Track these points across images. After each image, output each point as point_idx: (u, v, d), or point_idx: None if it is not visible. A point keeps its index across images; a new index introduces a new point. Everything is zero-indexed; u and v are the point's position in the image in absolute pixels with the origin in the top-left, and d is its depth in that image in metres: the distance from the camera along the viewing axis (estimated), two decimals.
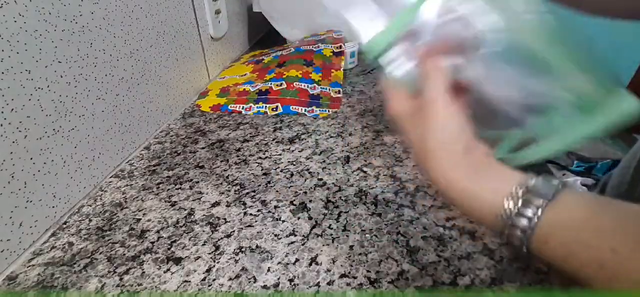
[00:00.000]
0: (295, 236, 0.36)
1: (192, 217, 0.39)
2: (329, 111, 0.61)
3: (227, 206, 0.40)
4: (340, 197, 0.41)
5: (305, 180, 0.44)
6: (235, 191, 0.43)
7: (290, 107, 0.62)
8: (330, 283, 0.31)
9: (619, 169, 0.49)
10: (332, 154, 0.49)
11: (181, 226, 0.38)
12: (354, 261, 0.33)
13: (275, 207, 0.40)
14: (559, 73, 0.25)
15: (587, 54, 0.25)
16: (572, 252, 0.21)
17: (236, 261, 0.33)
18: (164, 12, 0.56)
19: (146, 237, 0.36)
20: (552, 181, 0.23)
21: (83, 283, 0.32)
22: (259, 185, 0.43)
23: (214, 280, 0.31)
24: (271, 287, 0.31)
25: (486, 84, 0.27)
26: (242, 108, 0.62)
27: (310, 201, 0.40)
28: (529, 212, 0.22)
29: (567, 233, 0.21)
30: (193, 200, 0.41)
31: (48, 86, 0.36)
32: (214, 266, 0.33)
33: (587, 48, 0.25)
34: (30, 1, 0.34)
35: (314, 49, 0.75)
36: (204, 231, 0.37)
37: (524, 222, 0.22)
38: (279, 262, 0.33)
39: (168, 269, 0.33)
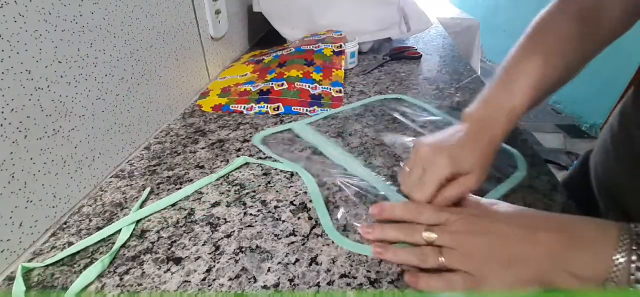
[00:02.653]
0: (295, 236, 0.36)
1: (192, 217, 0.39)
2: (329, 111, 0.61)
3: (227, 206, 0.40)
4: (340, 197, 0.41)
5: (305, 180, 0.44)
6: (235, 191, 0.43)
7: (292, 107, 0.62)
8: (330, 283, 0.31)
9: (599, 147, 0.50)
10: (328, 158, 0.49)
11: (181, 226, 0.37)
12: (354, 261, 0.33)
13: (275, 207, 0.40)
14: None
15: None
16: None
17: (236, 261, 0.33)
18: (164, 12, 0.56)
19: (146, 237, 0.36)
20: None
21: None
22: (259, 185, 0.43)
23: (214, 280, 0.31)
24: (271, 287, 0.31)
25: None
26: (244, 108, 0.62)
27: (310, 201, 0.40)
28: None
29: None
30: (193, 200, 0.41)
31: (48, 86, 0.36)
32: (214, 266, 0.33)
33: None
34: (30, 1, 0.34)
35: (315, 49, 0.75)
36: (204, 231, 0.37)
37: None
38: (279, 262, 0.33)
39: (168, 269, 0.33)
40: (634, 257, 0.22)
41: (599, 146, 0.50)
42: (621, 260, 0.22)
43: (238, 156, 0.49)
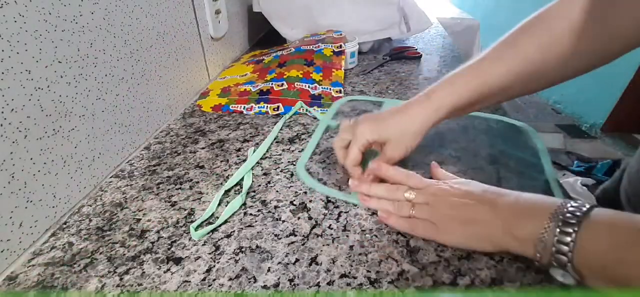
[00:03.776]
0: (295, 236, 0.36)
1: (192, 217, 0.39)
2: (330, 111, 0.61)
3: (227, 206, 0.40)
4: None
5: (296, 168, 0.44)
6: (235, 191, 0.43)
7: (292, 107, 0.62)
8: (330, 283, 0.31)
9: (634, 173, 0.45)
10: (332, 154, 0.49)
11: (181, 226, 0.37)
12: (354, 261, 0.33)
13: (275, 207, 0.40)
14: None
15: None
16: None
17: (236, 261, 0.33)
18: (164, 12, 0.56)
19: (146, 237, 0.36)
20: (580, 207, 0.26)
21: (83, 283, 0.32)
22: (259, 185, 0.43)
23: (214, 280, 0.31)
24: (271, 287, 0.31)
25: None
26: (244, 108, 0.62)
27: (310, 201, 0.40)
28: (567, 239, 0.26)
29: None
30: (193, 200, 0.41)
31: (48, 86, 0.36)
32: (214, 266, 0.33)
33: None
34: (30, 1, 0.34)
35: (315, 49, 0.75)
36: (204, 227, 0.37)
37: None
38: (279, 262, 0.33)
39: (168, 269, 0.33)
40: (557, 231, 0.26)
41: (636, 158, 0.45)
42: (550, 225, 0.27)
43: (238, 156, 0.49)
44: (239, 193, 0.42)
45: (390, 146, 0.40)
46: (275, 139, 0.53)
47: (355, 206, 0.39)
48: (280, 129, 0.55)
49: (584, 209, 0.26)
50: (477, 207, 0.32)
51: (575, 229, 0.25)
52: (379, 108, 0.57)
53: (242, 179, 0.44)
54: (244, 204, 0.40)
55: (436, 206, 0.34)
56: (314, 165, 0.46)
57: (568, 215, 0.26)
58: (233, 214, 0.39)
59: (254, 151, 0.49)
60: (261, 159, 0.48)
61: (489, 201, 0.32)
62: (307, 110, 0.61)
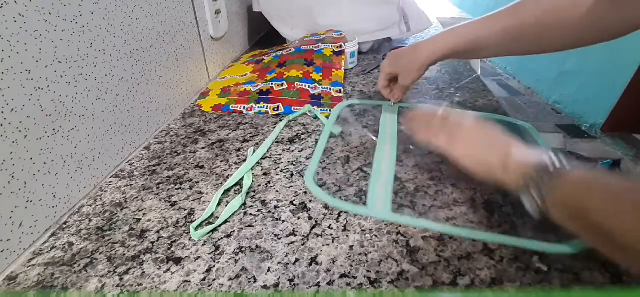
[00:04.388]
0: (295, 236, 0.36)
1: (192, 217, 0.39)
2: (330, 111, 0.61)
3: (227, 206, 0.40)
4: (340, 197, 0.41)
5: (305, 180, 0.44)
6: (235, 191, 0.43)
7: (292, 107, 0.62)
8: (330, 283, 0.31)
9: None
10: (332, 154, 0.49)
11: (181, 226, 0.37)
12: (354, 261, 0.33)
13: (275, 207, 0.40)
14: None
15: None
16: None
17: (236, 261, 0.33)
18: (164, 12, 0.56)
19: (146, 237, 0.36)
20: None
21: (83, 283, 0.32)
22: (259, 185, 0.43)
23: (214, 280, 0.31)
24: (271, 287, 0.31)
25: None
26: (244, 108, 0.62)
27: (310, 201, 0.40)
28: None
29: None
30: (193, 200, 0.41)
31: (48, 86, 0.36)
32: (214, 266, 0.33)
33: None
34: (30, 1, 0.34)
35: (315, 49, 0.75)
36: (203, 228, 0.37)
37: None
38: (279, 262, 0.33)
39: (168, 269, 0.33)
40: (539, 174, 0.30)
41: None
42: (534, 175, 0.31)
43: (238, 156, 0.49)
44: (239, 193, 0.42)
45: (402, 76, 0.54)
46: (275, 139, 0.53)
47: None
48: (281, 130, 0.55)
49: (565, 163, 0.31)
50: (483, 136, 0.38)
51: (552, 178, 0.30)
52: (379, 112, 0.58)
53: (242, 179, 0.44)
54: (244, 204, 0.40)
55: (452, 130, 0.40)
56: (322, 173, 0.46)
57: (549, 168, 0.31)
58: (233, 214, 0.39)
59: (254, 152, 0.49)
60: (262, 159, 0.48)
61: (503, 145, 0.36)
62: (314, 114, 0.60)
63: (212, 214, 0.39)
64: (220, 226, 0.37)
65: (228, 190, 0.43)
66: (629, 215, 0.24)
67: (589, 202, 0.27)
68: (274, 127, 0.56)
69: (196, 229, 0.36)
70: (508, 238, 0.34)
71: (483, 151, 0.37)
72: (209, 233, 0.36)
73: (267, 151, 0.50)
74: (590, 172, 0.29)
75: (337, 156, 0.48)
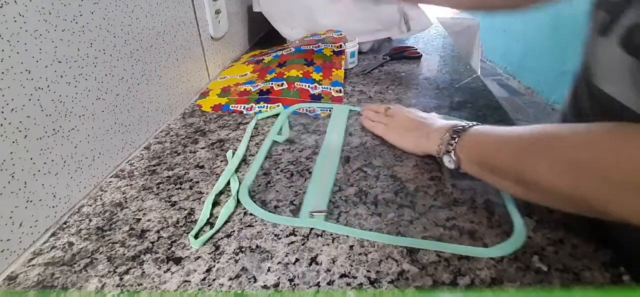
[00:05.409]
0: (295, 236, 0.36)
1: (192, 217, 0.39)
2: (329, 111, 0.61)
3: (223, 209, 0.40)
4: (340, 197, 0.41)
5: (305, 180, 0.44)
6: (227, 192, 0.42)
7: (291, 107, 0.62)
8: (330, 283, 0.31)
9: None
10: (280, 161, 0.49)
11: (181, 226, 0.37)
12: (354, 261, 0.33)
13: (275, 207, 0.40)
14: None
15: None
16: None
17: (236, 261, 0.33)
18: (164, 12, 0.56)
19: (146, 237, 0.36)
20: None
21: (83, 283, 0.32)
22: (259, 185, 0.43)
23: (214, 280, 0.31)
24: (271, 287, 0.31)
25: None
26: (244, 108, 0.62)
27: None
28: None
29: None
30: (193, 200, 0.41)
31: (48, 86, 0.36)
32: (214, 266, 0.33)
33: None
34: (30, 1, 0.34)
35: (315, 49, 0.75)
36: (204, 231, 0.37)
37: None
38: (279, 262, 0.33)
39: (168, 269, 0.33)
40: (450, 135, 0.40)
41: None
42: (448, 132, 0.40)
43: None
44: (230, 196, 0.42)
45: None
46: (249, 137, 0.53)
47: (355, 205, 0.39)
48: (281, 129, 0.55)
49: (470, 125, 0.39)
50: (415, 123, 0.48)
51: (460, 134, 0.39)
52: (329, 117, 0.59)
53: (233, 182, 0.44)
54: (237, 205, 0.40)
55: (390, 119, 0.52)
56: (263, 185, 0.44)
57: (459, 127, 0.39)
58: (229, 218, 0.38)
59: (233, 155, 0.48)
60: (264, 159, 0.48)
61: (427, 124, 0.47)
62: (307, 109, 0.60)
63: (211, 215, 0.39)
64: (217, 231, 0.37)
65: (221, 193, 0.42)
66: (506, 148, 0.33)
67: (486, 148, 0.35)
68: (273, 128, 0.56)
69: (196, 236, 0.36)
70: (433, 243, 0.34)
71: (411, 131, 0.47)
72: (208, 239, 0.36)
73: (268, 151, 0.50)
74: (489, 126, 0.37)
75: (283, 164, 0.48)
